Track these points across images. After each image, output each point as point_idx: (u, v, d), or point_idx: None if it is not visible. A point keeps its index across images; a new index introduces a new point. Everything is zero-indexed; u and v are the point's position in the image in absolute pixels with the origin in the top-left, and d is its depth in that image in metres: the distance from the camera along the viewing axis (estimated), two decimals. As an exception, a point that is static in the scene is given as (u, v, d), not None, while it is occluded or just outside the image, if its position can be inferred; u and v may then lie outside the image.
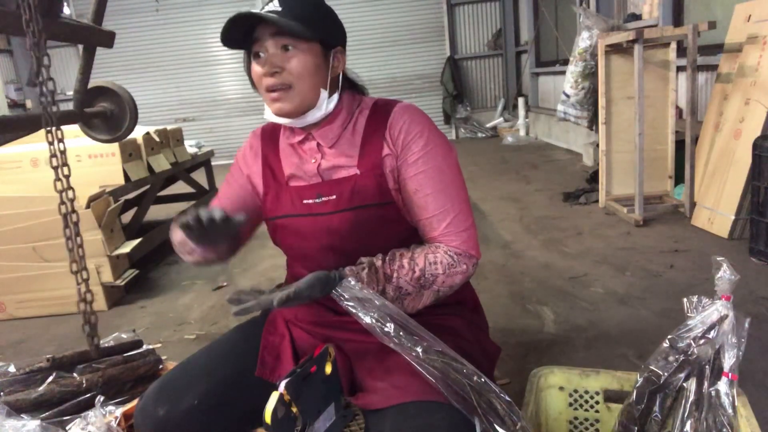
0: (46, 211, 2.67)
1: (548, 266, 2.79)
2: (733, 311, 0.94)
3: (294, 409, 0.90)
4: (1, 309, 2.77)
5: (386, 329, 0.88)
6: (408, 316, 0.91)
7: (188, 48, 8.56)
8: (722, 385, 0.94)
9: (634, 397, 1.00)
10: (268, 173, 1.13)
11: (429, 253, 1.01)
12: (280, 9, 0.98)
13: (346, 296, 0.91)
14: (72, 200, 1.29)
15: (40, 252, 2.71)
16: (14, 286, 2.74)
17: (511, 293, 2.50)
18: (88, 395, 1.39)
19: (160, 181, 3.72)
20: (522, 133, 7.77)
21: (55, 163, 1.25)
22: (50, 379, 1.40)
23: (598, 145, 4.03)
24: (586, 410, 1.21)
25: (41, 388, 1.37)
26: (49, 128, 1.26)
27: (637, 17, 4.53)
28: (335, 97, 1.07)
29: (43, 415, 1.33)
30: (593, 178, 4.22)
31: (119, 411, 1.31)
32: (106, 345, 1.58)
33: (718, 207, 2.99)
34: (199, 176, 4.64)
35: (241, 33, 1.01)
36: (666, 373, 0.97)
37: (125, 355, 1.55)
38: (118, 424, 1.28)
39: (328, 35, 1.04)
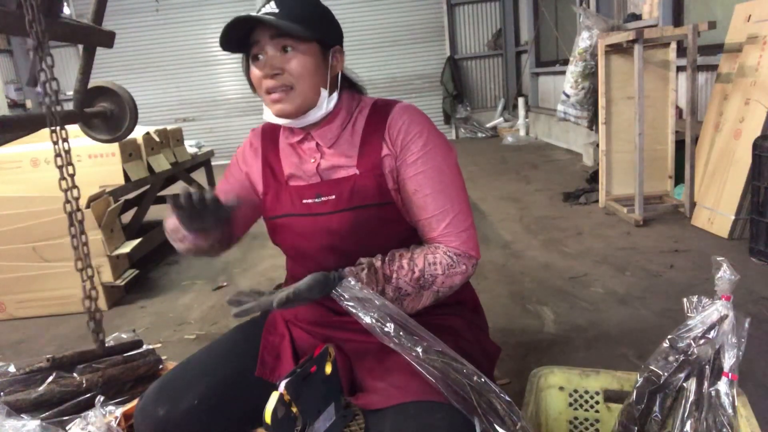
0: (46, 211, 2.67)
1: (548, 266, 2.79)
2: (733, 311, 0.94)
3: (294, 409, 0.90)
4: (1, 309, 2.77)
5: (386, 329, 0.88)
6: (408, 316, 0.91)
7: (188, 48, 8.56)
8: (722, 385, 0.94)
9: (634, 397, 1.00)
10: (268, 172, 1.13)
11: (428, 254, 1.01)
12: (277, 10, 0.98)
13: (346, 296, 0.91)
14: (77, 199, 1.30)
15: (40, 252, 2.71)
16: (14, 286, 2.74)
17: (511, 293, 2.50)
18: (88, 395, 1.39)
19: (160, 181, 3.72)
20: (522, 133, 7.77)
21: (59, 163, 1.26)
22: (50, 379, 1.40)
23: (598, 145, 4.03)
24: (586, 410, 1.21)
25: (41, 388, 1.37)
26: (53, 128, 1.27)
27: (637, 17, 4.53)
28: (335, 96, 1.08)
29: (43, 415, 1.33)
30: (593, 178, 4.22)
31: (119, 411, 1.31)
32: (107, 345, 1.58)
33: (718, 207, 2.99)
34: (199, 176, 4.64)
35: (239, 36, 1.00)
36: (666, 373, 0.97)
37: (125, 355, 1.55)
38: (118, 424, 1.28)
39: (327, 35, 1.04)
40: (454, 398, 0.85)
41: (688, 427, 0.93)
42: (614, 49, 3.62)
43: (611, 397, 1.19)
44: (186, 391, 1.02)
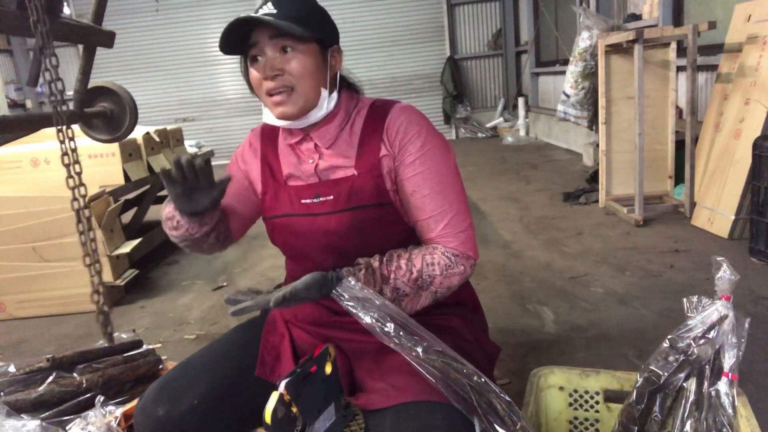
0: (46, 211, 2.67)
1: (548, 266, 2.79)
2: (733, 311, 0.94)
3: (294, 409, 0.90)
4: (1, 309, 2.77)
5: (386, 329, 0.88)
6: (408, 315, 0.91)
7: (188, 48, 8.56)
8: (722, 385, 0.94)
9: (634, 397, 1.00)
10: (267, 172, 1.13)
11: (426, 255, 1.01)
12: (275, 11, 0.98)
13: (346, 296, 0.91)
14: (84, 196, 1.32)
15: (40, 252, 2.71)
16: (14, 286, 2.74)
17: (511, 293, 2.50)
18: (88, 395, 1.39)
19: (160, 181, 3.71)
20: (522, 133, 7.77)
21: (66, 161, 1.28)
22: (50, 379, 1.40)
23: (598, 145, 4.03)
24: (586, 410, 1.21)
25: (41, 388, 1.37)
26: (60, 127, 1.28)
27: (637, 17, 4.53)
28: (335, 95, 1.08)
29: (43, 415, 1.33)
30: (593, 178, 4.22)
31: (119, 411, 1.31)
32: (106, 345, 1.58)
33: (718, 207, 2.99)
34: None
35: (238, 38, 1.00)
36: (666, 373, 0.97)
37: (125, 355, 1.56)
38: (118, 424, 1.28)
39: (325, 34, 1.04)
40: (454, 398, 0.85)
41: (688, 427, 0.93)
42: (614, 49, 3.62)
43: (611, 397, 1.19)
44: (186, 391, 1.02)
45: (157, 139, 3.62)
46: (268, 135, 1.17)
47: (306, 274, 0.93)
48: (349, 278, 0.93)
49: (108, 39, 1.85)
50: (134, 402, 1.30)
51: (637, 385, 1.00)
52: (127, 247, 2.88)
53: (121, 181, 3.12)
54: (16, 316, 2.78)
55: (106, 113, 1.96)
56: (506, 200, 4.30)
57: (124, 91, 1.98)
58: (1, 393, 1.37)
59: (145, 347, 1.62)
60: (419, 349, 0.87)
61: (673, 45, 3.48)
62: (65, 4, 7.74)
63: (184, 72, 8.68)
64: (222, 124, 8.87)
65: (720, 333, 0.94)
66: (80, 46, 1.96)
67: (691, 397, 0.95)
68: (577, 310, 2.25)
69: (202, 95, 8.78)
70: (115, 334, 1.68)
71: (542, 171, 5.36)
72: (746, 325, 0.94)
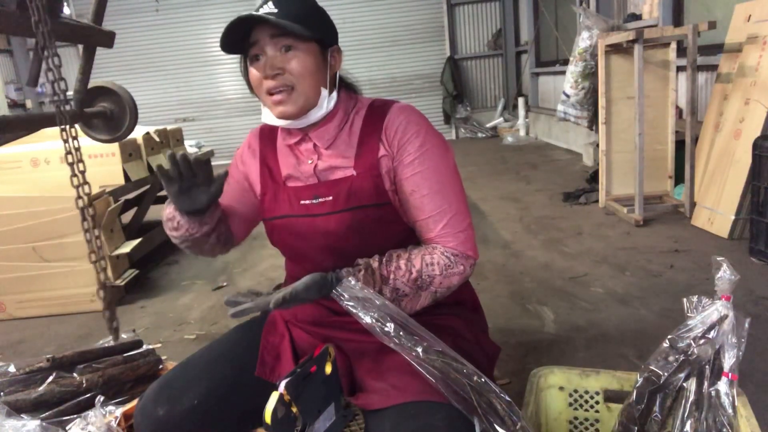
0: (46, 211, 2.67)
1: (548, 266, 2.79)
2: (733, 311, 0.94)
3: (294, 409, 0.90)
4: (1, 309, 2.77)
5: (386, 329, 0.88)
6: (408, 315, 0.91)
7: (188, 48, 8.56)
8: (722, 385, 0.94)
9: (634, 397, 1.00)
10: (266, 173, 1.13)
11: (426, 254, 1.01)
12: (276, 11, 0.98)
13: (346, 296, 0.91)
14: (88, 194, 1.34)
15: (40, 252, 2.71)
16: (14, 286, 2.74)
17: (511, 293, 2.50)
18: (88, 395, 1.39)
19: (160, 181, 3.72)
20: (522, 133, 7.77)
21: (70, 160, 1.29)
22: (50, 379, 1.40)
23: (598, 145, 4.03)
24: (586, 410, 1.21)
25: (41, 388, 1.37)
26: (63, 126, 1.29)
27: (637, 17, 4.53)
28: (335, 95, 1.08)
29: (43, 415, 1.33)
30: (593, 178, 4.22)
31: (119, 411, 1.31)
32: (106, 345, 1.59)
33: (718, 207, 2.99)
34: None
35: (238, 37, 1.00)
36: (666, 373, 0.97)
37: (125, 355, 1.56)
38: (118, 424, 1.28)
39: (325, 34, 1.05)
40: (454, 398, 0.85)
41: (688, 427, 0.93)
42: (614, 49, 3.62)
43: (611, 397, 1.19)
44: (186, 391, 1.02)
45: (157, 139, 3.62)
46: (267, 136, 1.17)
47: (306, 275, 0.93)
48: (349, 278, 0.93)
49: (108, 39, 1.85)
50: (134, 402, 1.29)
51: (637, 385, 1.00)
52: (127, 247, 2.88)
53: (121, 181, 3.12)
54: (16, 316, 2.78)
55: (106, 113, 1.96)
56: (506, 200, 4.30)
57: (124, 91, 1.98)
58: (1, 393, 1.37)
59: (145, 347, 1.62)
60: (419, 349, 0.87)
61: (673, 45, 3.48)
62: (65, 4, 7.74)
63: (184, 72, 8.68)
64: (222, 124, 8.87)
65: (720, 333, 0.94)
66: (80, 46, 1.96)
67: (691, 397, 0.95)
68: (577, 310, 2.25)
69: (202, 95, 8.78)
70: (115, 334, 1.68)
71: (542, 171, 5.36)
72: (746, 325, 0.94)
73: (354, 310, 0.90)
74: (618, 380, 1.17)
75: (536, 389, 1.17)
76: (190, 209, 1.04)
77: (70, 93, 1.37)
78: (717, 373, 0.94)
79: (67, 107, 1.31)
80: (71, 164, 1.31)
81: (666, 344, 0.99)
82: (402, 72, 8.76)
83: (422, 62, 8.74)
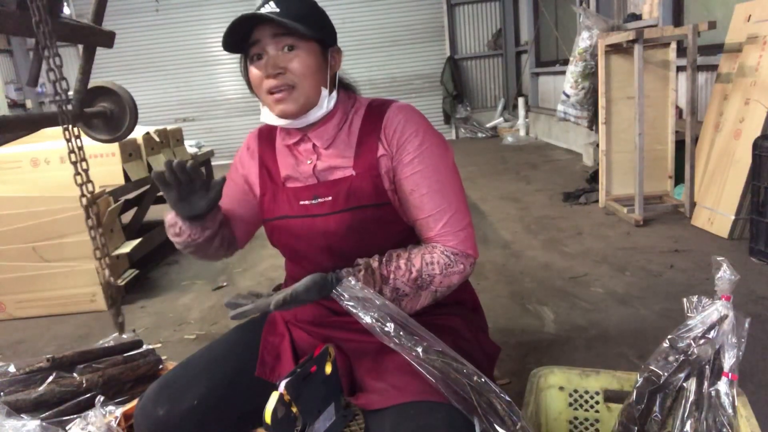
0: (46, 211, 2.67)
1: (548, 266, 2.79)
2: (733, 311, 0.94)
3: (294, 409, 0.90)
4: (1, 309, 2.77)
5: (386, 329, 0.88)
6: (408, 315, 0.91)
7: (188, 48, 8.56)
8: (722, 385, 0.94)
9: (634, 397, 1.00)
10: (265, 174, 1.13)
11: (426, 254, 1.01)
12: (278, 10, 0.98)
13: (346, 296, 0.91)
14: (92, 192, 1.35)
15: (40, 252, 2.71)
16: (14, 286, 2.74)
17: (511, 293, 2.50)
18: (88, 395, 1.39)
19: (160, 182, 3.72)
20: (522, 133, 7.77)
21: (74, 159, 1.30)
22: (50, 379, 1.40)
23: (598, 145, 4.03)
24: (586, 410, 1.21)
25: (41, 388, 1.37)
26: (65, 126, 1.30)
27: (637, 17, 4.53)
28: (335, 95, 1.08)
29: (43, 415, 1.33)
30: (593, 178, 4.22)
31: (119, 411, 1.31)
32: (106, 345, 1.58)
33: (718, 207, 2.99)
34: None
35: (240, 36, 1.00)
36: (666, 373, 0.97)
37: (125, 355, 1.55)
38: (118, 424, 1.28)
39: (326, 34, 1.05)
40: (454, 398, 0.85)
41: (688, 427, 0.93)
42: (614, 49, 3.62)
43: (611, 397, 1.19)
44: (186, 391, 1.02)
45: (157, 139, 3.62)
46: (266, 136, 1.17)
47: (306, 276, 0.93)
48: (350, 278, 0.93)
49: (108, 39, 1.85)
50: (134, 402, 1.29)
51: (637, 385, 1.00)
52: (127, 247, 2.89)
53: (121, 181, 3.12)
54: (16, 316, 2.78)
55: (106, 113, 1.96)
56: (506, 200, 4.30)
57: (124, 91, 1.98)
58: (1, 393, 1.37)
59: (145, 347, 1.62)
60: (419, 349, 0.87)
61: (673, 45, 3.48)
62: (65, 4, 7.74)
63: (184, 72, 8.67)
64: (222, 124, 8.87)
65: (720, 333, 0.94)
66: (80, 46, 1.96)
67: (691, 397, 0.95)
68: (577, 310, 2.25)
69: (202, 95, 8.78)
70: (115, 335, 1.68)
71: (542, 171, 5.36)
72: (746, 325, 0.94)
73: (354, 310, 0.90)
74: (618, 380, 1.17)
75: (536, 389, 1.17)
76: (190, 215, 1.04)
77: (70, 93, 1.37)
78: (717, 373, 0.94)
79: (69, 107, 1.31)
80: (74, 163, 1.32)
81: (666, 344, 0.99)
82: (402, 72, 8.76)
83: (422, 62, 8.74)
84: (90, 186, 1.41)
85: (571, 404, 1.21)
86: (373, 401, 0.95)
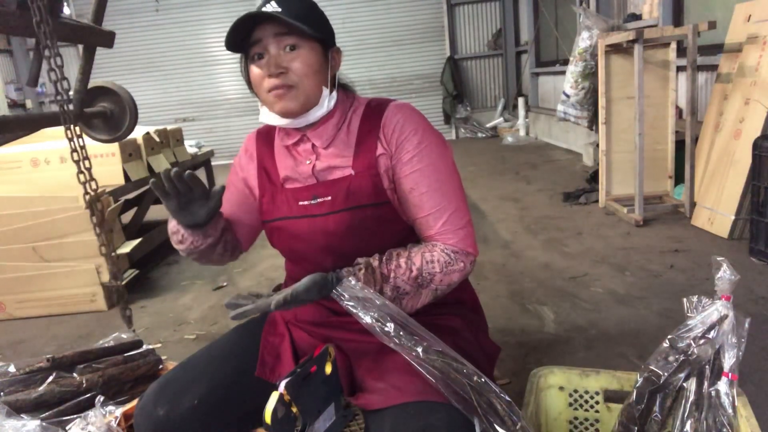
0: (46, 211, 2.67)
1: (548, 266, 2.79)
2: (733, 311, 0.94)
3: (294, 409, 0.90)
4: (1, 309, 2.77)
5: (386, 329, 0.88)
6: (408, 315, 0.91)
7: (188, 48, 8.56)
8: (722, 385, 0.94)
9: (634, 397, 1.00)
10: (264, 175, 1.13)
11: (426, 252, 1.01)
12: (279, 10, 0.98)
13: (346, 296, 0.91)
14: (96, 190, 1.35)
15: (40, 252, 2.71)
16: (14, 286, 2.74)
17: (511, 293, 2.50)
18: (88, 395, 1.39)
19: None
20: (522, 133, 7.77)
21: (76, 158, 1.31)
22: (50, 379, 1.40)
23: (598, 145, 4.03)
24: (586, 410, 1.21)
25: (41, 388, 1.37)
26: (68, 125, 1.31)
27: (637, 17, 4.53)
28: (335, 94, 1.08)
29: (43, 415, 1.33)
30: (593, 178, 4.22)
31: (119, 411, 1.31)
32: (106, 345, 1.58)
33: (718, 207, 2.99)
34: (199, 176, 4.63)
35: (241, 35, 1.01)
36: (666, 373, 0.97)
37: (125, 355, 1.55)
38: (118, 424, 1.28)
39: (326, 34, 1.05)
40: (454, 398, 0.85)
41: (688, 427, 0.93)
42: (614, 49, 3.62)
43: (611, 397, 1.19)
44: (186, 392, 1.02)
45: (157, 139, 3.62)
46: (264, 137, 1.17)
47: (306, 276, 0.93)
48: (350, 278, 0.93)
49: (108, 39, 1.85)
50: (134, 402, 1.29)
51: (637, 385, 1.00)
52: (127, 247, 2.88)
53: (121, 181, 3.12)
54: (15, 316, 2.78)
55: (106, 113, 1.96)
56: (506, 200, 4.30)
57: (124, 91, 1.98)
58: (1, 393, 1.37)
59: (145, 347, 1.62)
60: (419, 349, 0.87)
61: (673, 45, 3.48)
62: (65, 4, 7.74)
63: (184, 72, 8.67)
64: (222, 124, 8.86)
65: (720, 333, 0.94)
66: (80, 46, 1.96)
67: (691, 397, 0.95)
68: (577, 310, 2.25)
69: (202, 95, 8.78)
70: (115, 335, 1.68)
71: (542, 171, 5.36)
72: (746, 325, 0.94)
73: (354, 310, 0.90)
74: (618, 380, 1.17)
75: (536, 389, 1.17)
76: (191, 224, 1.04)
77: (71, 93, 1.37)
78: (717, 373, 0.94)
79: (70, 107, 1.32)
80: (77, 162, 1.33)
81: (666, 344, 0.99)
82: (402, 72, 8.76)
83: (422, 62, 8.74)
84: (93, 184, 1.42)
85: (571, 404, 1.21)
86: (373, 401, 0.95)
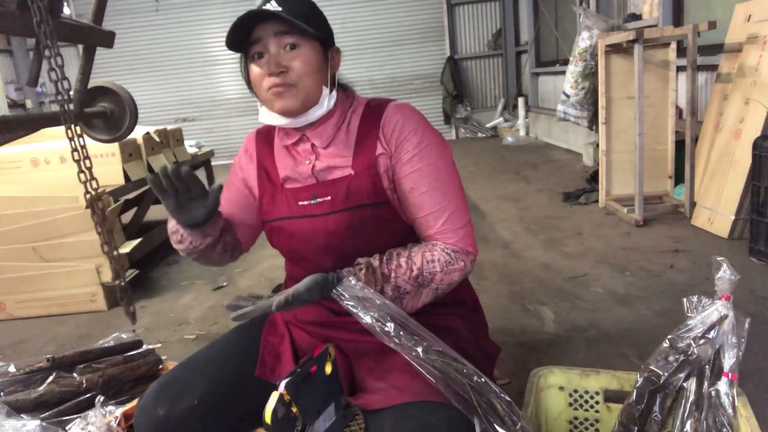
0: (46, 211, 2.67)
1: (548, 266, 2.79)
2: (733, 311, 0.94)
3: (294, 409, 0.90)
4: (1, 309, 2.77)
5: (386, 329, 0.88)
6: (408, 315, 0.91)
7: (188, 48, 8.56)
8: (722, 385, 0.94)
9: (634, 397, 1.00)
10: (264, 175, 1.13)
11: (426, 252, 1.01)
12: (280, 9, 0.98)
13: (347, 295, 0.91)
14: (96, 189, 1.36)
15: (40, 252, 2.71)
16: (14, 286, 2.74)
17: (511, 293, 2.50)
18: (88, 395, 1.39)
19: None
20: (522, 133, 7.77)
21: (76, 157, 1.31)
22: (50, 379, 1.40)
23: (598, 145, 4.03)
24: (586, 410, 1.21)
25: (41, 388, 1.37)
26: (68, 125, 1.31)
27: (637, 17, 4.53)
28: (335, 94, 1.08)
29: (43, 415, 1.33)
30: (593, 178, 4.22)
31: (119, 411, 1.31)
32: (106, 345, 1.58)
33: (718, 207, 2.99)
34: (200, 176, 4.63)
35: (241, 34, 1.00)
36: (666, 373, 0.97)
37: (125, 355, 1.55)
38: (118, 424, 1.28)
39: (326, 34, 1.05)
40: (454, 398, 0.85)
41: (688, 427, 0.93)
42: (614, 49, 3.62)
43: (611, 397, 1.19)
44: (186, 392, 1.02)
45: (157, 139, 3.62)
46: (264, 137, 1.17)
47: (306, 276, 0.93)
48: (350, 278, 0.93)
49: (108, 39, 1.85)
50: (134, 402, 1.29)
51: (637, 385, 1.00)
52: (127, 247, 2.88)
53: (121, 181, 3.12)
54: (16, 316, 2.78)
55: (106, 113, 1.96)
56: (506, 200, 4.30)
57: (124, 91, 1.98)
58: (1, 393, 1.37)
59: (145, 347, 1.62)
60: (419, 349, 0.87)
61: (673, 45, 3.48)
62: (65, 4, 7.74)
63: (184, 72, 8.67)
64: (222, 124, 8.86)
65: (720, 333, 0.94)
66: (80, 46, 1.96)
67: (691, 397, 0.95)
68: (577, 310, 2.26)
69: (202, 95, 8.78)
70: (115, 335, 1.69)
71: (542, 171, 5.36)
72: (746, 325, 0.94)
73: (354, 310, 0.90)
74: (618, 380, 1.17)
75: (536, 389, 1.17)
76: (190, 223, 1.04)
77: (71, 93, 1.37)
78: (717, 373, 0.94)
79: (70, 106, 1.32)
80: (78, 161, 1.33)
81: (666, 344, 0.99)
82: (402, 72, 8.76)
83: (422, 62, 8.74)
84: (95, 183, 1.42)
85: (571, 404, 1.21)
86: (373, 401, 0.95)
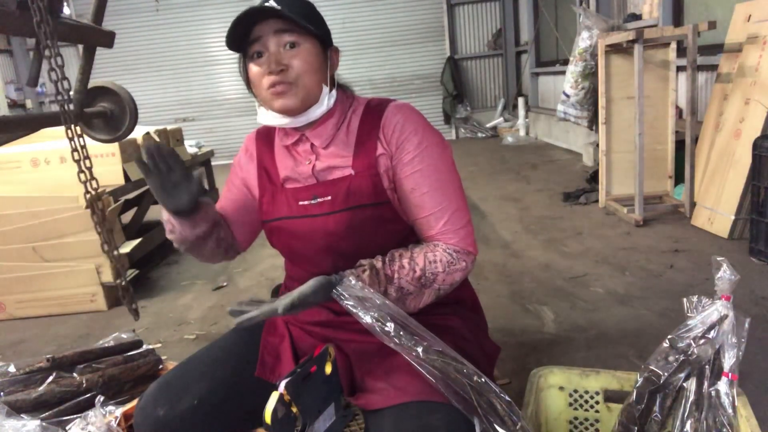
0: (46, 211, 2.67)
1: (548, 266, 2.79)
2: (733, 311, 0.94)
3: (294, 409, 0.90)
4: (1, 309, 2.77)
5: (386, 329, 0.88)
6: (408, 315, 0.91)
7: (188, 48, 8.56)
8: (722, 385, 0.94)
9: (634, 397, 1.00)
10: (264, 175, 1.13)
11: (428, 252, 1.01)
12: (279, 8, 0.98)
13: (347, 295, 0.91)
14: (97, 189, 1.36)
15: (40, 252, 2.71)
16: (14, 286, 2.74)
17: (511, 293, 2.50)
18: (88, 395, 1.39)
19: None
20: (522, 133, 7.77)
21: (76, 157, 1.31)
22: (50, 379, 1.40)
23: (598, 145, 4.03)
24: (586, 410, 1.21)
25: (41, 388, 1.37)
26: (68, 125, 1.31)
27: (637, 17, 4.53)
28: (335, 93, 1.08)
29: (43, 415, 1.33)
30: (593, 178, 4.22)
31: (119, 411, 1.31)
32: (106, 345, 1.59)
33: (718, 207, 2.99)
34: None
35: (241, 33, 1.00)
36: (666, 373, 0.97)
37: (125, 355, 1.55)
38: (118, 424, 1.28)
39: (325, 33, 1.05)
40: (454, 398, 0.85)
41: (688, 427, 0.93)
42: (614, 49, 3.62)
43: (611, 397, 1.19)
44: (186, 392, 1.02)
45: (157, 139, 3.62)
46: (264, 137, 1.17)
47: (306, 276, 0.93)
48: (350, 278, 0.93)
49: (108, 39, 1.85)
50: (134, 402, 1.29)
51: (637, 385, 1.01)
52: (127, 247, 2.88)
53: (121, 181, 3.12)
54: (16, 316, 2.78)
55: (106, 113, 1.96)
56: (506, 200, 4.30)
57: (124, 91, 1.98)
58: (1, 393, 1.37)
59: (145, 347, 1.62)
60: (419, 349, 0.87)
61: (673, 45, 3.48)
62: (65, 4, 7.73)
63: (184, 72, 8.67)
64: (222, 124, 8.86)
65: (720, 333, 0.94)
66: (80, 46, 1.96)
67: (691, 397, 0.95)
68: (577, 310, 2.25)
69: (202, 95, 8.78)
70: (115, 335, 1.69)
71: (542, 171, 5.36)
72: (746, 325, 0.94)
73: (354, 310, 0.90)
74: (618, 380, 1.17)
75: (536, 389, 1.17)
76: (175, 208, 1.03)
77: (71, 93, 1.37)
78: (717, 373, 0.94)
79: (70, 106, 1.32)
80: (78, 161, 1.33)
81: (666, 344, 0.99)
82: (402, 72, 8.76)
83: (422, 62, 8.74)
84: (95, 183, 1.42)
85: (571, 404, 1.21)
86: (373, 401, 0.95)
